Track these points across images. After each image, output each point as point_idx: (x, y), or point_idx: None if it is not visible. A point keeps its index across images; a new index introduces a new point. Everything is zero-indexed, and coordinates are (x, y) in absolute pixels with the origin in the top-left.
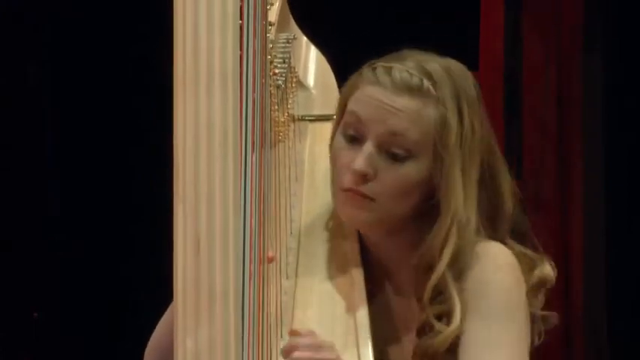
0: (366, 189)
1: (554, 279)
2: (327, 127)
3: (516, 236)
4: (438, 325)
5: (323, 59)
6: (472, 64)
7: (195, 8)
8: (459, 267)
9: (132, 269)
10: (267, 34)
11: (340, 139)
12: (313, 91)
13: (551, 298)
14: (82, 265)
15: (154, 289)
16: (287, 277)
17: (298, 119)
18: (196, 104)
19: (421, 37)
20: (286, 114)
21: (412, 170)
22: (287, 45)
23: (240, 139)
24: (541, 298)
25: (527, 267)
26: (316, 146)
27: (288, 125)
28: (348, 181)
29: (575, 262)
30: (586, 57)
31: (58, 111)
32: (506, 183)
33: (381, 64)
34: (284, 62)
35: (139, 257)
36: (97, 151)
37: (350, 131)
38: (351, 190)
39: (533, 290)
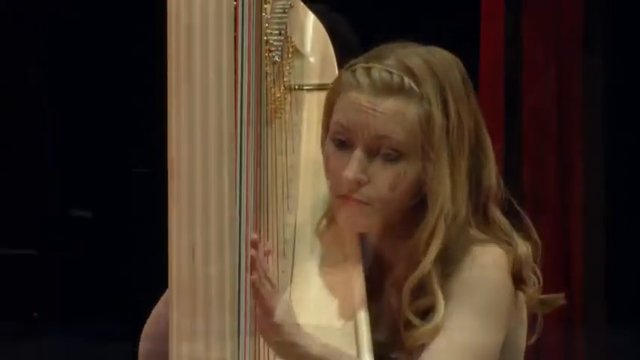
0: (360, 195)
1: (530, 255)
2: (324, 97)
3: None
4: (416, 321)
5: (320, 25)
6: (472, 64)
7: None
8: (448, 268)
9: (132, 269)
10: (263, 14)
11: (330, 144)
12: (310, 59)
13: None
14: (82, 265)
15: (154, 289)
16: (284, 256)
17: (295, 89)
18: (190, 93)
19: (421, 37)
20: (282, 87)
21: (405, 170)
22: (283, 15)
23: (235, 125)
24: (535, 280)
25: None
26: (313, 117)
27: (284, 98)
28: (342, 188)
29: (575, 262)
30: (586, 57)
31: (58, 111)
32: (491, 165)
33: (360, 65)
34: (280, 34)
35: (139, 257)
36: (97, 151)
37: (339, 137)
38: (345, 197)
39: (518, 275)
